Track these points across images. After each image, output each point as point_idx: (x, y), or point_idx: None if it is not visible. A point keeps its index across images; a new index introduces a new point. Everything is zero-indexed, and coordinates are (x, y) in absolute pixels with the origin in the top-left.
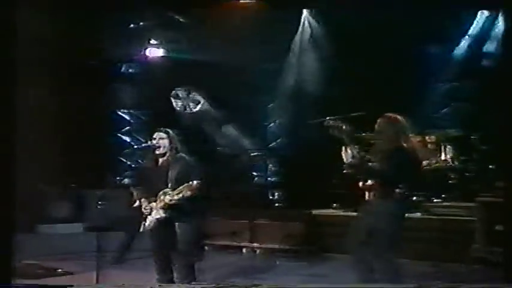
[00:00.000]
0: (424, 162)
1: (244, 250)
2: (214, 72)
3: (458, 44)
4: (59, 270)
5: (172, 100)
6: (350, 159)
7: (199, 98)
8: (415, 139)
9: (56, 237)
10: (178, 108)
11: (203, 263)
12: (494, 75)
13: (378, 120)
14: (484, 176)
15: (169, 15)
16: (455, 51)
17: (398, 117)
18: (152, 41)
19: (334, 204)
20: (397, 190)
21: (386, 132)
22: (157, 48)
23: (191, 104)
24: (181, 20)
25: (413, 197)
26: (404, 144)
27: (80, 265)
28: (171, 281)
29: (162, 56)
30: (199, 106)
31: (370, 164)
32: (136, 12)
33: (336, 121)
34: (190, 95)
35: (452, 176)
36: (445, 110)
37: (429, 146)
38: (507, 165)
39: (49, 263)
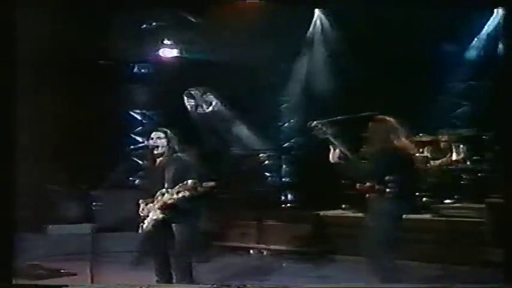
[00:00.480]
0: (436, 163)
1: (251, 251)
2: (227, 72)
3: (471, 43)
4: (62, 271)
5: (185, 100)
6: (336, 160)
7: (212, 98)
8: (408, 139)
9: (63, 238)
10: (191, 109)
11: (209, 264)
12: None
13: (369, 123)
14: (495, 177)
15: (181, 15)
16: (469, 51)
17: (388, 118)
18: (165, 41)
19: (343, 205)
20: (388, 190)
21: (376, 133)
22: (170, 48)
23: (204, 104)
24: (193, 19)
25: (407, 196)
26: (394, 145)
27: (85, 266)
28: (170, 282)
29: (175, 56)
30: (212, 106)
31: (357, 164)
32: (148, 12)
33: (319, 123)
34: (203, 95)
35: (463, 177)
36: (458, 110)
37: (441, 145)
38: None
39: (55, 264)
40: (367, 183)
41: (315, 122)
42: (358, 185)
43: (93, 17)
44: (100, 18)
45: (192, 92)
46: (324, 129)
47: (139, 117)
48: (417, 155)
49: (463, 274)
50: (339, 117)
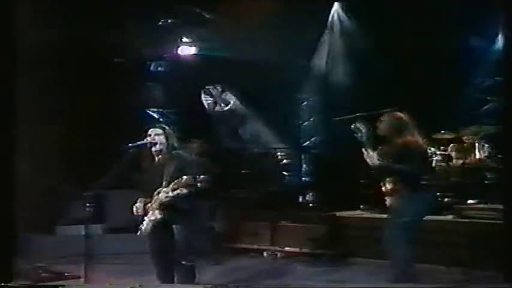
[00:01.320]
0: (459, 162)
1: (265, 253)
2: (245, 69)
3: (497, 37)
4: (66, 273)
5: (203, 98)
6: (376, 162)
7: (230, 96)
8: (420, 135)
9: (71, 239)
10: (209, 107)
11: (220, 266)
12: None
13: (380, 119)
14: None
15: (199, 12)
16: (494, 46)
17: (399, 114)
18: (183, 39)
19: (362, 206)
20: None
21: (387, 130)
22: (188, 46)
23: (222, 102)
24: (210, 16)
25: (429, 195)
26: (407, 142)
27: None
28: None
29: (192, 54)
30: (230, 104)
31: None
32: (165, 9)
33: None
34: (222, 93)
35: (487, 176)
36: (484, 107)
37: (465, 144)
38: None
39: (60, 266)
40: (392, 186)
41: (357, 124)
42: (383, 188)
43: (109, 15)
44: (116, 16)
45: (210, 90)
46: (363, 130)
47: (156, 116)
48: (439, 153)
49: (486, 278)
50: (385, 110)
